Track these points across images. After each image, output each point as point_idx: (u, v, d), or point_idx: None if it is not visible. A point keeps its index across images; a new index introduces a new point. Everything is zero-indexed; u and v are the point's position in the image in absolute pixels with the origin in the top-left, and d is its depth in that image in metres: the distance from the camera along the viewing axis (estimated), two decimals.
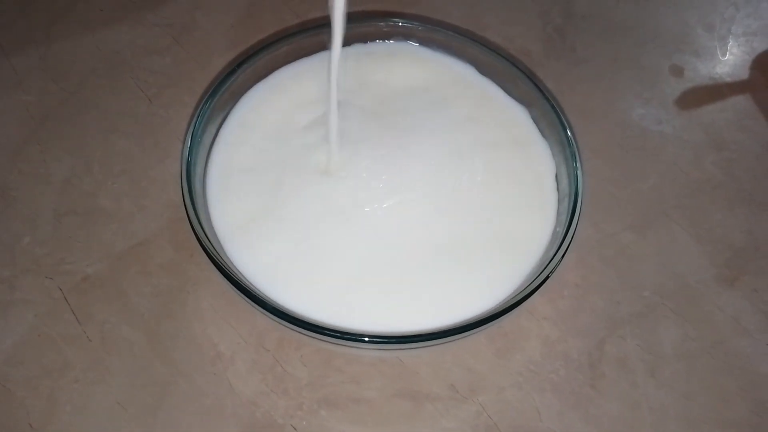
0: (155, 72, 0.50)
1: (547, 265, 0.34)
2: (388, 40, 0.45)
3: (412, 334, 0.33)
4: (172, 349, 0.39)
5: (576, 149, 0.38)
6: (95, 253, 0.42)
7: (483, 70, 0.43)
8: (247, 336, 0.39)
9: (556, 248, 0.34)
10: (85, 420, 0.36)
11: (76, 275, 0.41)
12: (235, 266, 0.35)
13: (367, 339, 0.33)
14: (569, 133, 0.38)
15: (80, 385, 0.37)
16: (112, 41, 0.52)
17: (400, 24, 0.44)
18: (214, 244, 0.34)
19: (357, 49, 0.44)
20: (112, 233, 0.42)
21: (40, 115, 0.47)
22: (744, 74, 0.53)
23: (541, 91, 0.40)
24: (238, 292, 0.33)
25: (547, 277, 0.33)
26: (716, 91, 0.52)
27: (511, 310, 0.33)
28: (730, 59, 0.54)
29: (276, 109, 0.42)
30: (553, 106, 0.39)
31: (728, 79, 0.53)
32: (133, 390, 0.37)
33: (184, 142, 0.37)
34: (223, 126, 0.41)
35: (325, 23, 0.43)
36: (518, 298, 0.33)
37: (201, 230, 0.34)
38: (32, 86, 0.49)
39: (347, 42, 0.44)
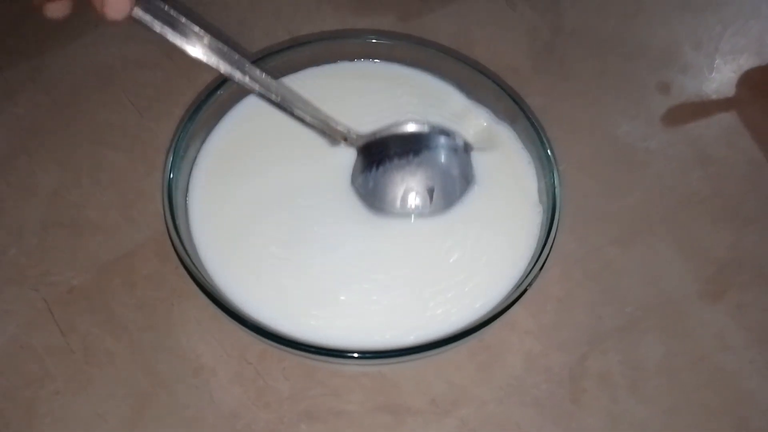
0: (146, 85, 0.51)
1: (526, 277, 0.34)
2: (372, 59, 0.45)
3: (393, 349, 0.33)
4: (155, 361, 0.39)
5: (554, 162, 0.38)
6: (81, 264, 0.42)
7: (466, 87, 0.44)
8: (229, 348, 0.39)
9: (535, 261, 0.34)
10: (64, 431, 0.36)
11: (61, 287, 0.41)
12: (216, 282, 0.36)
13: (348, 355, 0.33)
14: (547, 146, 0.38)
15: (61, 396, 0.37)
16: (103, 55, 0.52)
17: (382, 42, 0.44)
18: (194, 260, 0.34)
19: (341, 66, 0.45)
20: (98, 245, 0.43)
21: (30, 126, 0.48)
22: (730, 91, 0.53)
23: (520, 107, 0.40)
24: (219, 310, 0.33)
25: (525, 290, 0.34)
26: (702, 108, 0.52)
27: (489, 323, 0.33)
28: (716, 76, 0.54)
29: (261, 124, 0.42)
30: (532, 122, 0.39)
31: (714, 96, 0.53)
32: (114, 401, 0.37)
33: (166, 158, 0.37)
34: (207, 140, 0.41)
35: (317, 39, 0.43)
36: (496, 311, 0.33)
37: (182, 248, 0.34)
38: (23, 98, 0.49)
39: (331, 60, 0.45)
